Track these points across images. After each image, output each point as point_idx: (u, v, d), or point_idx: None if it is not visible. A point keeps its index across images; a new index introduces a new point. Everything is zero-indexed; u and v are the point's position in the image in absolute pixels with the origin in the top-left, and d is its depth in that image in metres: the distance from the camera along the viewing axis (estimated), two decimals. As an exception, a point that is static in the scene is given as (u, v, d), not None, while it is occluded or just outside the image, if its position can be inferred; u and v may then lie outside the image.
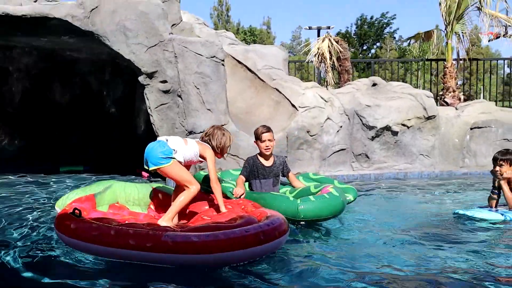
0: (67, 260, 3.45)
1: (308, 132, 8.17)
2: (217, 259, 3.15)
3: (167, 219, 3.82)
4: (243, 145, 7.57)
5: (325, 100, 8.51)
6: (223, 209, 4.06)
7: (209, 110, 7.60)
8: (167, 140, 4.05)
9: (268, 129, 5.00)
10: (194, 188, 3.94)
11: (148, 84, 7.49)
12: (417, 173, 8.60)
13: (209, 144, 4.24)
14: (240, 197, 4.53)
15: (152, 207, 4.46)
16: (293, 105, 8.33)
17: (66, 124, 10.33)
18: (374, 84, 9.08)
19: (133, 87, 10.05)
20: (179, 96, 7.54)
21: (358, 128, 8.51)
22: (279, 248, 3.49)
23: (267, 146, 4.93)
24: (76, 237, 3.42)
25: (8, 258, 3.50)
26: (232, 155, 7.38)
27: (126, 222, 3.64)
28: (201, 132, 6.78)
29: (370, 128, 8.48)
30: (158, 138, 4.14)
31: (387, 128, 8.50)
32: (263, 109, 8.48)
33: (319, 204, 4.34)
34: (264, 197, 4.51)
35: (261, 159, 5.05)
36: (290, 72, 11.13)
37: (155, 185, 4.67)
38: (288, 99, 8.39)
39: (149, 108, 7.57)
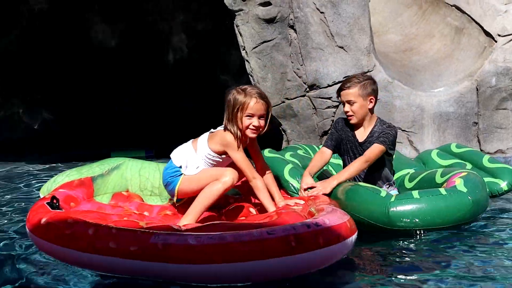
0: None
1: (516, 78, 5.67)
2: (222, 273, 2.33)
3: (190, 219, 3.07)
4: (400, 105, 5.33)
5: (547, 21, 5.76)
6: (270, 208, 3.15)
7: (341, 48, 5.39)
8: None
9: (352, 85, 3.58)
10: (227, 179, 3.11)
11: (241, 10, 5.31)
12: None
13: (227, 124, 3.23)
14: (309, 190, 3.40)
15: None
16: (487, 33, 5.88)
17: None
18: None
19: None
20: (292, 28, 5.41)
21: None
22: (326, 264, 2.47)
23: (346, 112, 3.71)
24: (45, 236, 2.70)
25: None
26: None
27: (125, 219, 2.95)
28: (328, 86, 5.24)
29: None
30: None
31: None
32: (434, 42, 6.29)
33: (423, 207, 3.08)
34: (345, 190, 3.33)
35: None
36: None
37: None
38: (477, 22, 5.97)
39: (243, 49, 5.39)
